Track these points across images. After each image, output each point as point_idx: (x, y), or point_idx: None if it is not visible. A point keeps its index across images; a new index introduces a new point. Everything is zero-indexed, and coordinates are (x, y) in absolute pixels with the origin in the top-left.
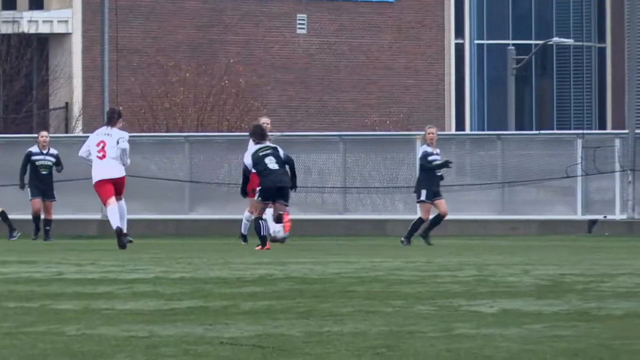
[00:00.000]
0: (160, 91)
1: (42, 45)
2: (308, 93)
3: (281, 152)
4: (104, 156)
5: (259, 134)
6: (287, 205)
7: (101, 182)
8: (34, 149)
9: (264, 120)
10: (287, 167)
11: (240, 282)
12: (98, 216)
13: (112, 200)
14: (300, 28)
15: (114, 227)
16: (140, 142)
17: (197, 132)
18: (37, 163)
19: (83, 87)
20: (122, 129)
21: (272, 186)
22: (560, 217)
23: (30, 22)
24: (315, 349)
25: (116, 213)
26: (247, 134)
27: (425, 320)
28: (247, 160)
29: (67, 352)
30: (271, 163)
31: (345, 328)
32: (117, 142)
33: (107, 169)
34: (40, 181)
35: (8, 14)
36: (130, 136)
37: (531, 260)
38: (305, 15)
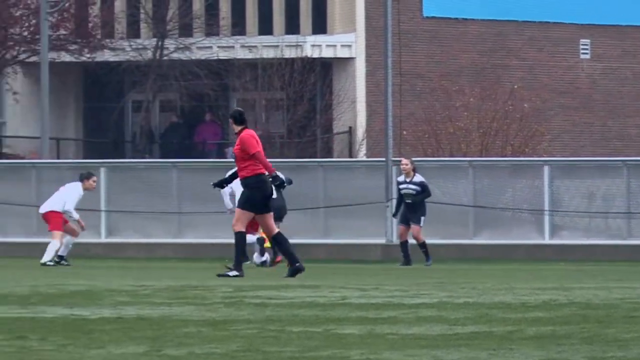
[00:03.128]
0: (443, 116)
1: (325, 70)
2: (591, 118)
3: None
4: None
5: None
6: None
7: None
8: (401, 178)
9: None
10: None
11: (525, 307)
12: (382, 240)
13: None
14: (583, 53)
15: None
16: (424, 167)
17: (480, 156)
18: (401, 192)
19: (366, 111)
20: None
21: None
22: None
23: (313, 46)
24: None
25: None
26: (532, 158)
27: None
28: None
29: None
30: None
31: (630, 354)
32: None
33: None
34: (406, 208)
35: (292, 39)
36: (414, 160)
37: None
38: (588, 41)
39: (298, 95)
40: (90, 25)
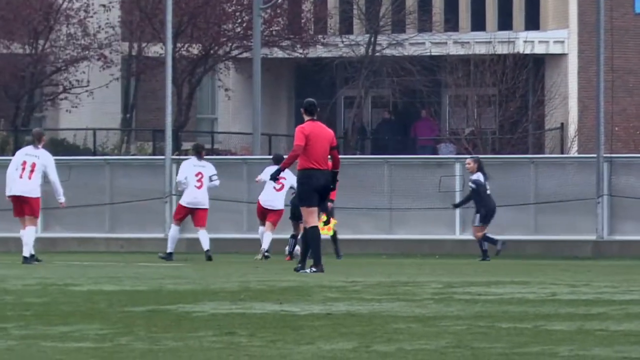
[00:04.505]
0: None
1: (538, 66)
2: None
3: None
4: (201, 186)
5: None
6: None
7: (183, 207)
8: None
9: None
10: None
11: None
12: (593, 237)
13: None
14: None
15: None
16: (636, 163)
17: None
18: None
19: (578, 107)
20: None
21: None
22: None
23: (526, 42)
24: None
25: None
26: None
27: None
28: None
29: None
30: None
31: None
32: (210, 179)
33: (198, 196)
34: None
35: (504, 35)
36: (624, 157)
37: None
38: None
39: (510, 91)
40: (302, 21)
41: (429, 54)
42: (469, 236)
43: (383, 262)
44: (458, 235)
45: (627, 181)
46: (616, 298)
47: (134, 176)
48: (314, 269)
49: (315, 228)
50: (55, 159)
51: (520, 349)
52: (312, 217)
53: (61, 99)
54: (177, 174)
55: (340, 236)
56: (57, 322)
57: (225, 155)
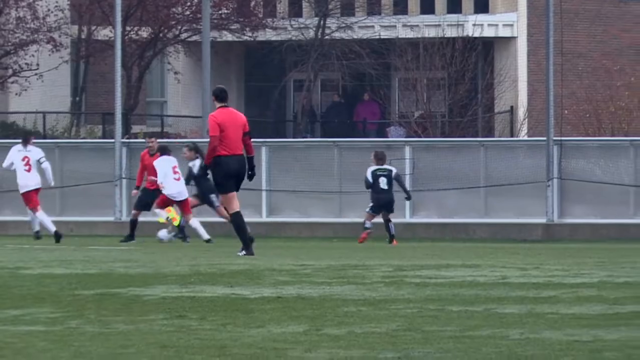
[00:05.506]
0: (605, 95)
1: (487, 49)
2: None
3: (393, 173)
4: (29, 169)
5: (380, 158)
6: (391, 212)
7: (30, 192)
8: None
9: None
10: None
11: None
12: (543, 220)
13: (39, 207)
14: None
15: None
16: (585, 147)
17: None
18: None
19: (528, 90)
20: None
21: (379, 204)
22: None
23: (475, 25)
24: None
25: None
26: None
27: None
28: (368, 175)
29: (510, 356)
30: (382, 184)
31: None
32: (40, 162)
33: (29, 179)
34: None
35: (453, 18)
36: (574, 140)
37: None
38: None
39: (459, 74)
40: (252, 4)
41: (378, 37)
42: (418, 219)
43: (333, 245)
44: (408, 219)
45: (577, 164)
46: (566, 281)
47: (84, 159)
48: (243, 252)
49: (238, 213)
50: (5, 143)
51: (471, 332)
52: (232, 203)
53: (10, 82)
54: (125, 158)
55: (290, 219)
56: (8, 306)
57: (175, 138)
